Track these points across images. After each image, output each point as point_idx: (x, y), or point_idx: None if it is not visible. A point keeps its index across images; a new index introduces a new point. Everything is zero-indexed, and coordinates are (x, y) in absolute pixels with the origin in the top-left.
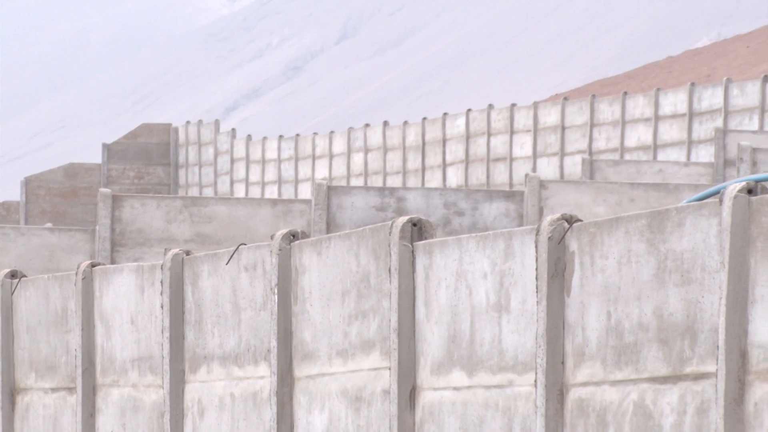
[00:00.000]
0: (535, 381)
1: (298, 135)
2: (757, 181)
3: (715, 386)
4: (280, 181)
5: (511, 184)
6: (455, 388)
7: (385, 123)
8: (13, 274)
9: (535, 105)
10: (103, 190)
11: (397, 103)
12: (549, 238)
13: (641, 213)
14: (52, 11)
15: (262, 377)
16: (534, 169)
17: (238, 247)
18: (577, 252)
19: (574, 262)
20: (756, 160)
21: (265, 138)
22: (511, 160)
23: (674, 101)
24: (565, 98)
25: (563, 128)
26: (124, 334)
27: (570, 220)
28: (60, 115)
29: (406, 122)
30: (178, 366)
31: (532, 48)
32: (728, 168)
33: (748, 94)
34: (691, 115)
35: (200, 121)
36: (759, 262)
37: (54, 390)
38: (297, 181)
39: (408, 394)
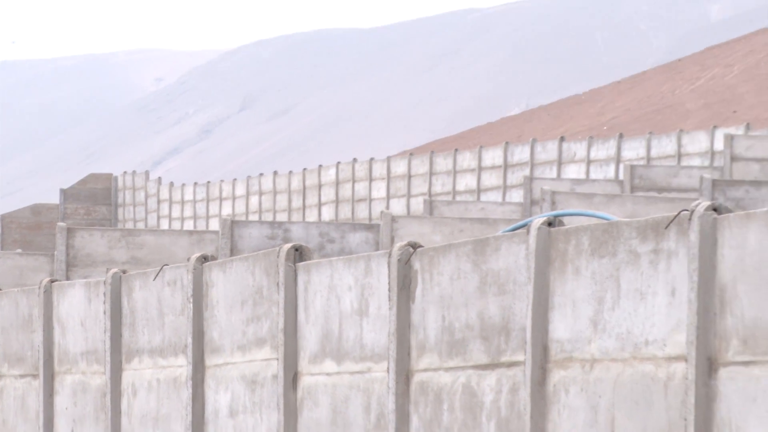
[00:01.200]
0: (388, 368)
1: (208, 182)
2: (555, 216)
3: (524, 372)
4: (195, 217)
5: (370, 219)
6: (327, 374)
7: (275, 173)
8: None
9: (388, 159)
10: (60, 224)
11: (284, 157)
12: (398, 259)
13: (468, 240)
14: (24, 89)
15: (181, 366)
16: (387, 207)
17: (162, 268)
18: (420, 270)
19: (418, 278)
20: (554, 201)
21: (183, 184)
22: (370, 200)
23: (493, 156)
24: (411, 154)
25: (409, 176)
26: (76, 334)
27: (414, 245)
28: (30, 167)
29: (291, 172)
30: (117, 357)
31: (386, 115)
32: (534, 206)
33: (548, 151)
34: (506, 166)
35: (134, 172)
36: (557, 278)
37: (22, 376)
38: (208, 217)
39: (291, 378)
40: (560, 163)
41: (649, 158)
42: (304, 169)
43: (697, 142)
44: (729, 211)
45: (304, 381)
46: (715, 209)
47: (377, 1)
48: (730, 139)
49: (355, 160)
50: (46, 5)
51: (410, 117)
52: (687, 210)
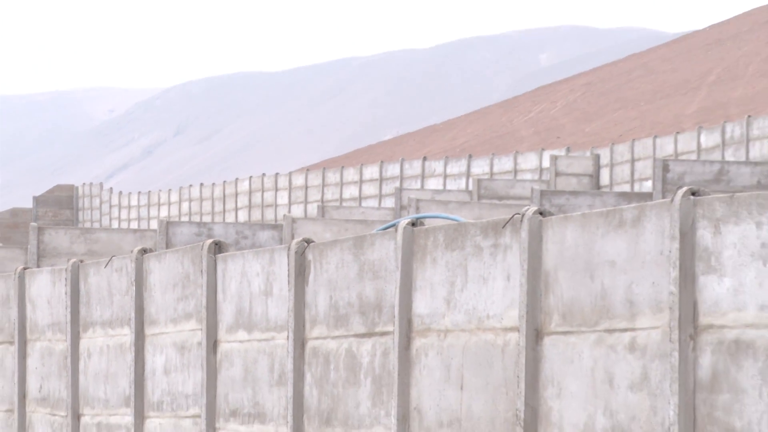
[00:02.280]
0: (287, 336)
1: (149, 191)
2: (417, 218)
3: (393, 339)
4: (138, 219)
5: (275, 220)
6: (240, 341)
7: (201, 184)
8: None
9: (290, 174)
10: (32, 224)
11: (209, 172)
12: (295, 252)
13: (350, 237)
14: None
15: (126, 335)
16: (289, 211)
17: (111, 258)
18: (312, 260)
19: (311, 266)
20: (418, 206)
21: (130, 193)
22: (276, 206)
23: (371, 171)
24: (308, 170)
25: (306, 187)
26: (43, 310)
27: (308, 241)
28: (7, 179)
29: (213, 183)
30: (76, 328)
31: (289, 140)
32: (402, 210)
33: (414, 168)
34: (381, 179)
35: (92, 183)
36: (418, 267)
37: (1, 343)
38: (149, 219)
39: (212, 344)
40: (423, 177)
41: (492, 173)
42: (224, 181)
43: (529, 161)
44: (552, 214)
45: (222, 347)
46: (541, 213)
47: (281, 49)
48: (554, 159)
49: (264, 174)
50: (21, 48)
51: (307, 141)
52: (519, 213)
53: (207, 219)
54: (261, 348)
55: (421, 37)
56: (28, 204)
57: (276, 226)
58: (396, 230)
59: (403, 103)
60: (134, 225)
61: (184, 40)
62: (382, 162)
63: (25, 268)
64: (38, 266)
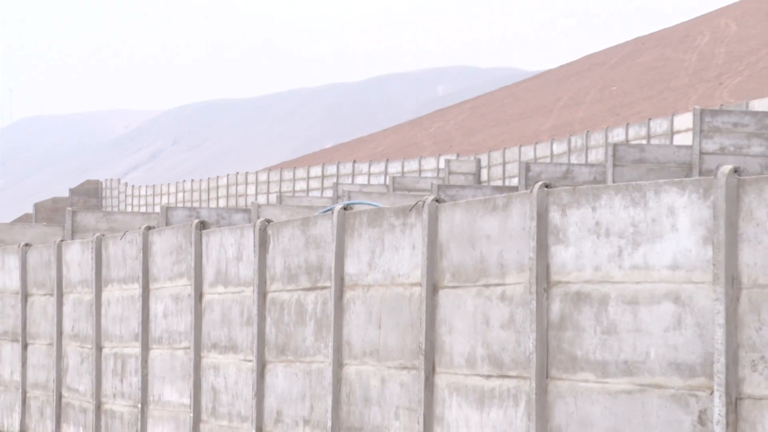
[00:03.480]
0: (253, 290)
1: (154, 185)
2: (348, 204)
3: (330, 292)
4: (146, 205)
5: (246, 206)
6: (219, 294)
7: (192, 180)
8: (27, 244)
9: (257, 172)
10: (68, 209)
11: (198, 171)
12: (259, 229)
13: (299, 218)
14: (46, 133)
15: (135, 289)
16: (255, 200)
17: (125, 233)
18: (271, 234)
19: (270, 239)
20: (350, 196)
21: (140, 187)
22: (246, 195)
23: (316, 171)
24: (270, 169)
25: (269, 182)
26: (75, 270)
27: (269, 221)
28: (48, 178)
29: (201, 179)
30: (99, 284)
31: (255, 148)
32: (338, 199)
33: (347, 168)
34: (323, 176)
35: (112, 179)
36: (348, 239)
37: (44, 295)
38: (154, 205)
39: (199, 296)
40: (353, 174)
41: (403, 172)
42: (209, 177)
43: (430, 164)
44: (445, 201)
45: (206, 297)
46: (437, 200)
47: (249, 80)
48: (448, 162)
49: (237, 173)
50: (61, 76)
51: (269, 149)
52: (421, 201)
53: (196, 205)
54: (234, 298)
55: (352, 73)
56: (65, 194)
57: (246, 210)
58: (333, 213)
59: (339, 122)
60: (143, 209)
61: (180, 71)
62: (323, 164)
63: (62, 240)
64: (72, 239)
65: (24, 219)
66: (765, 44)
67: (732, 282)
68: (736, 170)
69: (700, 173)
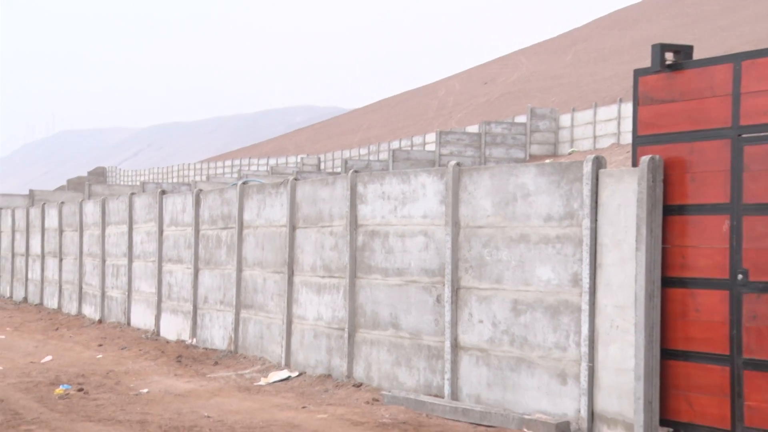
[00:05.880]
0: (192, 229)
1: (137, 170)
2: (246, 181)
3: (236, 230)
4: (132, 182)
5: (189, 183)
6: (172, 231)
7: (158, 167)
8: (62, 202)
9: (195, 163)
10: (86, 183)
11: (165, 162)
12: (195, 194)
13: (218, 188)
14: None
15: (124, 228)
16: (194, 178)
17: (119, 196)
18: (202, 198)
19: (202, 200)
20: (248, 177)
21: (128, 171)
22: (190, 176)
23: (230, 163)
24: (203, 162)
25: (202, 169)
26: (89, 217)
27: (201, 190)
28: (74, 165)
29: (166, 168)
30: (104, 225)
31: (199, 152)
32: (241, 178)
33: (246, 162)
34: (233, 166)
35: (113, 167)
36: (245, 201)
37: (72, 231)
38: (136, 182)
39: (160, 232)
40: (250, 165)
41: (278, 164)
42: (172, 165)
43: (296, 160)
44: (298, 180)
45: (165, 233)
46: (296, 179)
47: (201, 103)
48: (302, 159)
49: (184, 163)
50: (78, 99)
51: (203, 150)
52: (287, 179)
53: (160, 181)
54: (181, 234)
55: (248, 105)
56: (85, 174)
57: (188, 184)
58: (237, 186)
59: (242, 135)
60: (129, 183)
61: (150, 95)
62: (232, 159)
63: (82, 200)
64: (88, 200)
65: (61, 188)
66: (472, 90)
67: (455, 225)
68: (458, 163)
69: (439, 165)
